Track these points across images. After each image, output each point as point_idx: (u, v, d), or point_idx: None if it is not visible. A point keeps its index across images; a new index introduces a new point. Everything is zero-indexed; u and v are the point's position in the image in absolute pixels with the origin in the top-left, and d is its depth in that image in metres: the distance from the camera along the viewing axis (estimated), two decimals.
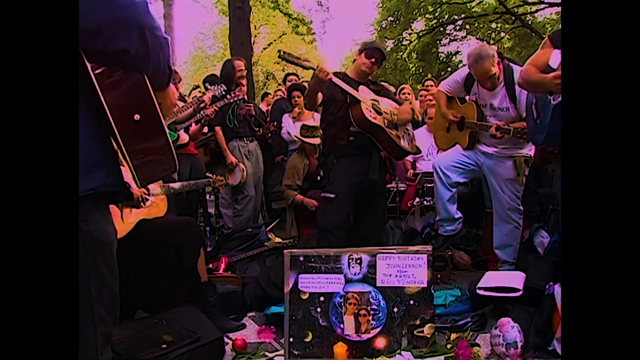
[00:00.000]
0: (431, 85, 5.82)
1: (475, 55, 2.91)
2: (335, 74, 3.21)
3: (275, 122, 4.86)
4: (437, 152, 4.06)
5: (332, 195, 3.04)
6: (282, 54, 2.92)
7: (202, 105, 3.46)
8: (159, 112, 1.17)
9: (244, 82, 4.16)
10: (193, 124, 3.97)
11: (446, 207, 3.20)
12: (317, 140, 4.08)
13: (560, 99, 2.01)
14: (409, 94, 5.14)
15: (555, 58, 2.10)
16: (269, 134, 4.81)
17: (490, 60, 2.87)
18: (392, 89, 4.24)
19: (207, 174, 3.32)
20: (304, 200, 4.03)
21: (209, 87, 3.92)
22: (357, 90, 3.01)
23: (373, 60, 3.10)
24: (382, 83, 3.51)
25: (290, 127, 4.69)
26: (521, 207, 3.14)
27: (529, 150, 3.08)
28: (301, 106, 4.59)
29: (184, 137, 3.94)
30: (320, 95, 3.05)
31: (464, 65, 3.21)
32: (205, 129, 4.37)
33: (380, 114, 3.07)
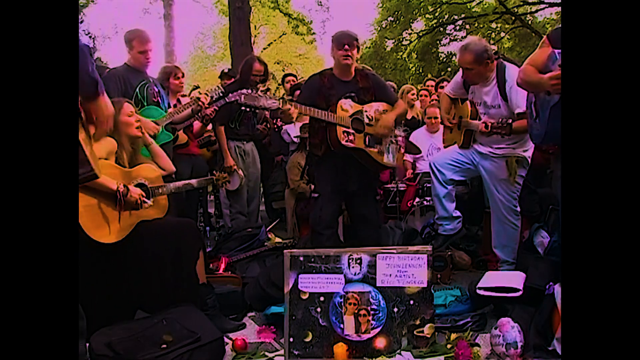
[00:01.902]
0: (432, 85, 5.82)
1: (463, 44, 2.99)
2: (323, 71, 3.12)
3: (279, 120, 4.85)
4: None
5: (316, 195, 3.07)
6: (241, 99, 2.77)
7: (199, 108, 3.44)
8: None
9: (257, 81, 3.97)
10: (196, 122, 3.95)
11: (443, 204, 3.19)
12: None
13: (557, 98, 2.01)
14: (413, 94, 5.15)
15: (552, 58, 2.10)
16: (276, 129, 4.81)
17: (474, 56, 2.89)
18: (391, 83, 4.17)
19: (213, 172, 3.29)
20: None
21: (224, 74, 3.89)
22: (336, 109, 2.89)
23: (346, 47, 2.92)
24: (372, 73, 3.27)
25: (290, 128, 4.68)
26: (517, 208, 3.12)
27: (524, 150, 3.07)
28: None
29: (183, 138, 3.92)
30: (293, 109, 2.83)
31: None
32: (210, 126, 4.34)
33: (361, 130, 2.97)
